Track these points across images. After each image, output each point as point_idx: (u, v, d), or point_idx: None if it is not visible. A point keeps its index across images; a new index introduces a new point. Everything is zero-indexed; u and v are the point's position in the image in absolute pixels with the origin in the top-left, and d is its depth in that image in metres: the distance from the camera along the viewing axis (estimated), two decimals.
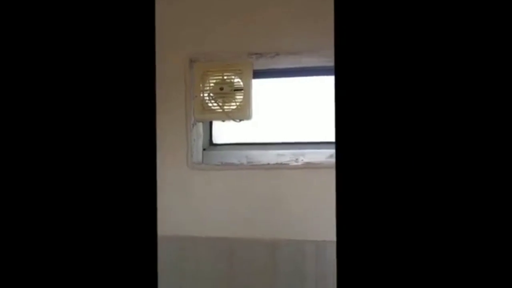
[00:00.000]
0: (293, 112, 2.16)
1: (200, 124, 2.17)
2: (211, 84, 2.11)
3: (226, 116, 2.11)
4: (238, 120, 2.13)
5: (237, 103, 2.09)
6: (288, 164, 2.07)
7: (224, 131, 2.24)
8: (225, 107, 2.10)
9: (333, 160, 2.02)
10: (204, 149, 2.17)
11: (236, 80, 2.10)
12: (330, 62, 2.01)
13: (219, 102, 2.11)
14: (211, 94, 2.11)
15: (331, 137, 2.10)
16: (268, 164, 2.08)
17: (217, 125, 2.24)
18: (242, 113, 2.10)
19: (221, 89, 2.11)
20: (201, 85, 2.12)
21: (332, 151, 2.04)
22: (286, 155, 2.07)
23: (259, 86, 2.14)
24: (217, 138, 2.25)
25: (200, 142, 2.16)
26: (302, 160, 2.05)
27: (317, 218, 2.03)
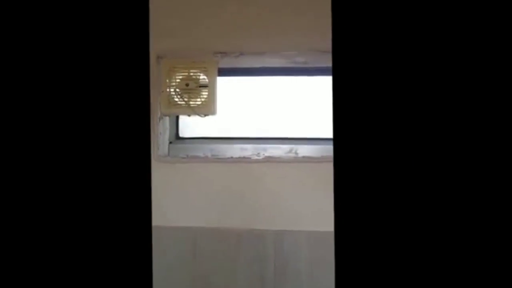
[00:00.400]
0: (257, 108, 2.28)
1: (167, 118, 2.25)
2: (177, 80, 2.20)
3: (192, 111, 2.21)
4: (203, 115, 2.22)
5: (202, 99, 2.19)
6: (250, 158, 2.19)
7: (191, 125, 2.33)
8: (191, 103, 2.20)
9: (292, 155, 2.16)
10: (170, 142, 2.26)
11: (201, 77, 2.19)
12: (292, 63, 2.13)
13: (185, 97, 2.20)
14: (177, 90, 2.20)
15: (291, 133, 2.24)
16: (232, 157, 2.20)
17: (183, 120, 2.33)
18: (207, 109, 2.20)
19: (187, 85, 2.20)
20: (167, 81, 2.20)
21: (291, 146, 2.17)
22: (248, 150, 2.20)
23: (225, 83, 2.24)
24: (184, 132, 2.34)
25: (166, 136, 2.25)
26: (264, 154, 2.18)
27: (276, 209, 2.18)
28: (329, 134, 2.12)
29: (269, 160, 2.18)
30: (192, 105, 2.20)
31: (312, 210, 2.13)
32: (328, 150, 2.08)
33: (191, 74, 2.19)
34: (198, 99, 2.19)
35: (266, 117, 2.27)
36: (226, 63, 2.17)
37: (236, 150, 2.20)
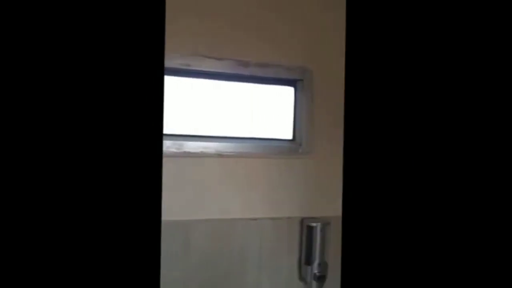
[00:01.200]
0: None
1: None
2: None
3: None
4: None
5: None
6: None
7: None
8: None
9: (173, 150, 2.42)
10: None
11: None
12: (175, 64, 2.32)
13: None
14: None
15: (175, 130, 2.36)
16: None
17: None
18: None
19: None
20: None
21: (174, 142, 2.34)
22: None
23: None
24: None
25: None
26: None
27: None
28: (209, 132, 2.55)
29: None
30: None
31: (189, 201, 2.41)
32: (206, 146, 2.48)
33: None
34: None
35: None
36: None
37: None
